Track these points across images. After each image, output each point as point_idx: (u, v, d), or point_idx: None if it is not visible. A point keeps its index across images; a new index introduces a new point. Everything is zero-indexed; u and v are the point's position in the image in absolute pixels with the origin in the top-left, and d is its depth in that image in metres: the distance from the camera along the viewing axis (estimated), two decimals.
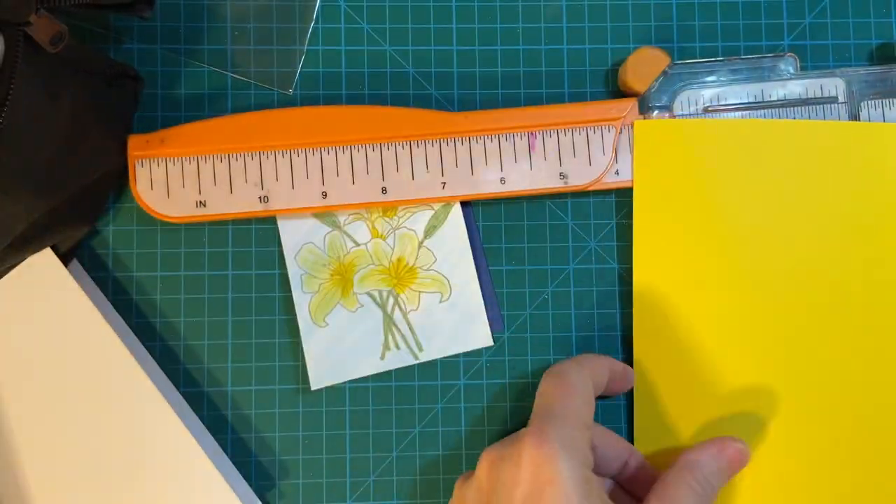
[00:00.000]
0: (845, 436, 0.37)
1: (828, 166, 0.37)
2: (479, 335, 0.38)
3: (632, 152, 0.38)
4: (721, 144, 0.37)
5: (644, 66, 0.38)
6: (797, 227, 0.37)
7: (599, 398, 0.37)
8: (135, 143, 0.37)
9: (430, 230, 0.38)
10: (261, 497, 0.37)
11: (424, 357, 0.38)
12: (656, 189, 0.37)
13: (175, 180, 0.37)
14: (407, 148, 0.37)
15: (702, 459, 0.33)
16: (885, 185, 0.37)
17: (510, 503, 0.29)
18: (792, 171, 0.37)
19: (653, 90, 0.38)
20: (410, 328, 0.38)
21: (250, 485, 0.38)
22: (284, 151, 0.37)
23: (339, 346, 0.38)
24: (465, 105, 0.39)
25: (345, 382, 0.38)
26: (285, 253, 0.38)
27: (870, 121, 0.38)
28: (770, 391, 0.37)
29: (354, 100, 0.39)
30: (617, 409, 0.39)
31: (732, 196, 0.37)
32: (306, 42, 0.39)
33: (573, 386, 0.33)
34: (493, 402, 0.39)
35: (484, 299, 0.38)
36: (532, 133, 0.37)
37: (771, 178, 0.37)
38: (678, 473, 0.32)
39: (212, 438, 0.38)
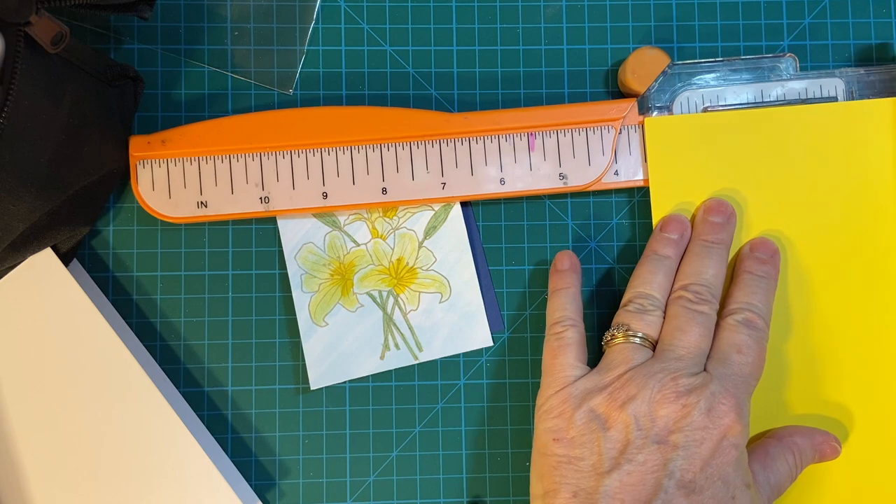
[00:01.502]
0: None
1: (837, 147, 0.37)
2: (478, 335, 0.38)
3: (631, 153, 0.38)
4: (731, 136, 0.37)
5: (644, 66, 0.38)
6: (813, 211, 0.37)
7: None
8: (136, 143, 0.37)
9: (430, 230, 0.38)
10: (261, 497, 0.38)
11: (424, 357, 0.38)
12: (672, 185, 0.37)
13: (176, 181, 0.37)
14: (407, 148, 0.37)
15: (805, 445, 0.36)
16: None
17: (698, 446, 0.32)
18: (803, 155, 0.37)
19: (653, 90, 0.38)
20: (410, 328, 0.38)
21: (250, 484, 0.38)
22: (285, 152, 0.37)
23: (339, 346, 0.38)
24: (465, 105, 0.39)
25: (345, 382, 0.38)
26: (285, 253, 0.38)
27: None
28: (793, 367, 0.37)
29: (354, 100, 0.39)
30: None
31: (747, 185, 0.37)
32: (306, 42, 0.39)
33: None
34: (493, 402, 0.39)
35: (484, 299, 0.38)
36: (532, 133, 0.37)
37: (783, 164, 0.37)
38: (782, 450, 0.35)
39: (212, 438, 0.38)
